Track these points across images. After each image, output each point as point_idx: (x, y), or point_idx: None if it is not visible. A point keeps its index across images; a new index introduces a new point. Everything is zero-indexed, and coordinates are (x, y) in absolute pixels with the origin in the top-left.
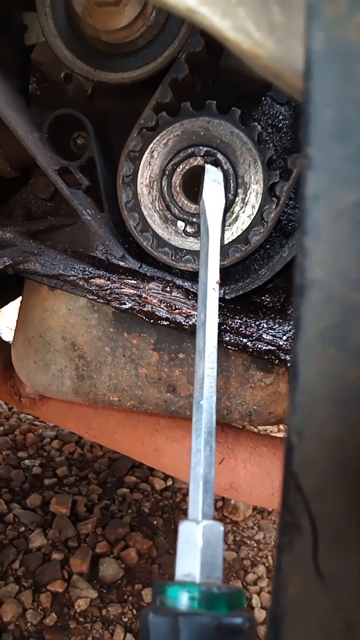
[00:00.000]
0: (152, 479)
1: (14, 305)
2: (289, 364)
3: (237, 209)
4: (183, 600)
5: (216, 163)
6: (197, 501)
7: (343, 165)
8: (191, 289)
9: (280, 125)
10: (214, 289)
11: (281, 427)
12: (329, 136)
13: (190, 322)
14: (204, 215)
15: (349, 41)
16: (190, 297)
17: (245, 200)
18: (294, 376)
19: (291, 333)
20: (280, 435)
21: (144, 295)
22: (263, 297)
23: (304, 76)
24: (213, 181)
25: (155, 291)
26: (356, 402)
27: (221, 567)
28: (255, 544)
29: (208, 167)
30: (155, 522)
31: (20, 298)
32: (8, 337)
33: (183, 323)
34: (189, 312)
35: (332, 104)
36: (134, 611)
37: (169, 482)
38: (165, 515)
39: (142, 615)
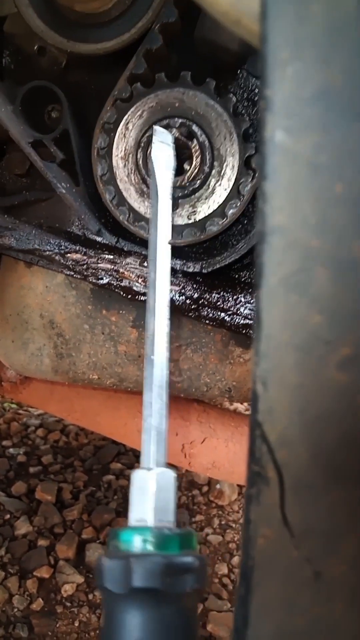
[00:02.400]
0: (137, 465)
1: None
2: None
3: (213, 181)
4: (136, 543)
5: (190, 133)
6: (149, 450)
7: (300, 108)
8: None
9: (256, 98)
10: (164, 248)
11: None
12: (286, 77)
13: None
14: (153, 176)
15: None
16: None
17: (222, 173)
18: (257, 325)
19: None
20: None
21: (121, 270)
22: (241, 274)
23: (260, 18)
24: (161, 142)
25: (132, 266)
26: (316, 348)
27: (173, 511)
28: (240, 528)
29: (156, 128)
30: None
31: None
32: None
33: None
34: None
35: (288, 45)
36: None
37: None
38: None
39: (96, 560)
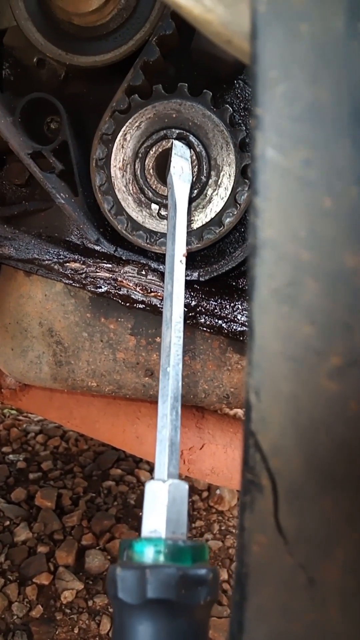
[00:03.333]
0: (137, 471)
1: None
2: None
3: (210, 191)
4: (149, 554)
5: (188, 144)
6: (163, 462)
7: (290, 125)
8: None
9: (251, 107)
10: (180, 261)
11: None
12: (276, 96)
13: None
14: (171, 189)
15: (292, 2)
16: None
17: (218, 183)
18: (250, 336)
19: None
20: None
21: (119, 278)
22: (238, 281)
23: (251, 38)
24: (180, 157)
25: (130, 274)
26: (307, 358)
27: (185, 523)
28: None
29: (175, 142)
30: (141, 514)
31: None
32: None
33: (159, 306)
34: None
35: (277, 64)
36: None
37: None
38: None
39: (109, 570)
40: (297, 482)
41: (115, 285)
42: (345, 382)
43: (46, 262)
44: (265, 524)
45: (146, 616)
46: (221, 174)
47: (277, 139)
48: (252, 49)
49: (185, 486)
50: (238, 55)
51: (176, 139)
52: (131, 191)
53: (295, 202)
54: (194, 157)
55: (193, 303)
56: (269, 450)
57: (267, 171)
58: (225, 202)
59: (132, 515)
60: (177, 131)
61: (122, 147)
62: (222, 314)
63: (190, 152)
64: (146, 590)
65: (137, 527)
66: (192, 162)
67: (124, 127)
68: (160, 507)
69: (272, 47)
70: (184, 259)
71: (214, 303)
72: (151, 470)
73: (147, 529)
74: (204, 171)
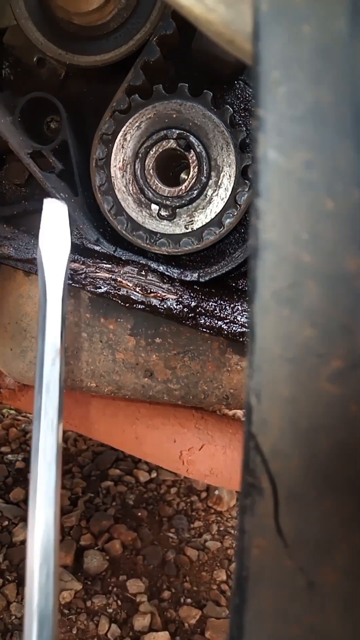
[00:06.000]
0: (136, 471)
1: None
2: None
3: (210, 192)
4: None
5: (188, 144)
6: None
7: (291, 126)
8: (166, 273)
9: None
10: (52, 362)
11: None
12: (278, 97)
13: (165, 306)
14: (40, 266)
15: (294, 2)
16: (165, 280)
17: (218, 183)
18: (251, 338)
19: None
20: None
21: (119, 279)
22: (238, 282)
23: (253, 38)
24: (54, 218)
25: (130, 275)
26: (308, 361)
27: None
28: None
29: (46, 201)
30: (139, 514)
31: None
32: None
33: (158, 306)
34: (164, 296)
35: (279, 65)
36: (119, 602)
37: (153, 475)
38: (149, 507)
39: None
40: (297, 485)
41: (115, 285)
42: (345, 385)
43: None
44: (265, 527)
45: None
46: (221, 174)
47: (279, 140)
48: (254, 50)
49: None
50: (240, 56)
51: (176, 138)
52: (131, 191)
53: (297, 204)
54: (194, 158)
55: (193, 304)
56: (270, 452)
57: (268, 173)
58: (226, 203)
59: (130, 516)
60: (178, 131)
61: (122, 147)
62: (222, 315)
63: (191, 153)
64: None
65: (135, 528)
66: (192, 163)
67: (124, 127)
68: None
69: (274, 48)
70: (57, 358)
71: (213, 304)
72: (150, 470)
73: None
74: (204, 172)
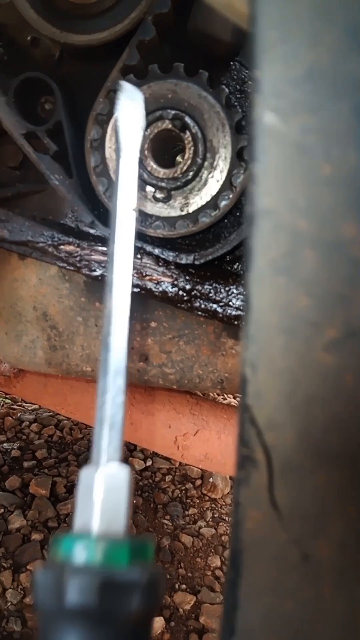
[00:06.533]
0: (131, 459)
1: None
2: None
3: (205, 173)
4: (76, 553)
5: (184, 125)
6: (99, 444)
7: (289, 88)
8: (161, 256)
9: (248, 90)
10: (128, 215)
11: None
12: (275, 58)
13: (160, 289)
14: (117, 136)
15: None
16: (160, 263)
17: (214, 165)
18: (247, 309)
19: None
20: None
21: None
22: (233, 265)
23: None
24: (131, 99)
25: None
26: (304, 331)
27: (125, 516)
28: None
29: (123, 83)
30: (134, 501)
31: None
32: None
33: (153, 289)
34: (159, 279)
35: (277, 25)
36: None
37: (148, 463)
38: (144, 495)
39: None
40: (292, 457)
41: None
42: (341, 355)
43: (40, 244)
44: (259, 499)
45: (66, 626)
46: (217, 156)
47: (276, 103)
48: (251, 11)
49: (125, 471)
50: (238, 21)
51: (171, 119)
52: None
53: (294, 169)
54: (190, 139)
55: (188, 287)
56: (264, 424)
57: (265, 136)
58: (221, 185)
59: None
60: (173, 112)
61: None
62: (217, 298)
63: (187, 134)
64: (64, 595)
65: (130, 516)
66: (187, 144)
67: None
68: (93, 498)
69: (272, 8)
70: (133, 214)
71: (208, 287)
72: (145, 458)
73: (78, 524)
74: (200, 153)
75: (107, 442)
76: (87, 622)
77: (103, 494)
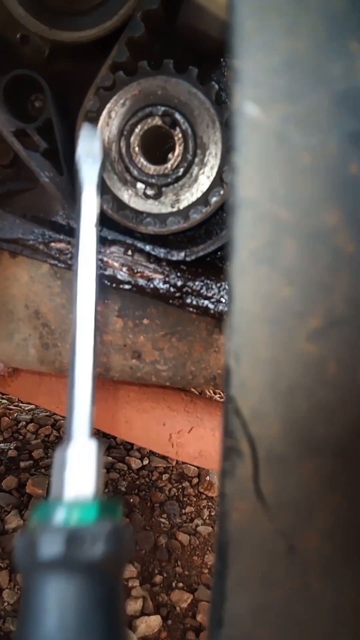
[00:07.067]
0: (128, 458)
1: None
2: None
3: (196, 170)
4: (47, 516)
5: (174, 122)
6: (70, 421)
7: (268, 78)
8: (152, 252)
9: (229, 80)
10: (91, 231)
11: None
12: (253, 47)
13: (152, 286)
14: (80, 170)
15: None
16: (151, 260)
17: (204, 162)
18: (230, 299)
19: None
20: None
21: (105, 259)
22: (224, 261)
23: None
24: (90, 137)
25: (116, 255)
26: (287, 321)
27: (94, 481)
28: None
29: (84, 124)
30: (131, 500)
31: None
32: None
33: (145, 286)
34: (151, 276)
35: (254, 13)
36: None
37: (145, 462)
38: (141, 494)
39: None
40: (276, 447)
41: (101, 265)
42: (324, 344)
43: (31, 242)
44: (245, 490)
45: (41, 577)
46: (207, 152)
47: (255, 92)
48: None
49: (93, 443)
50: (218, 12)
51: (161, 115)
52: (116, 170)
53: (275, 159)
54: (180, 135)
55: (179, 283)
56: (249, 415)
57: (245, 126)
58: (212, 182)
59: (122, 502)
60: (163, 108)
61: (107, 124)
62: (208, 294)
63: (177, 130)
64: (37, 551)
65: (127, 514)
66: (177, 140)
67: (109, 104)
68: (64, 468)
69: None
70: (97, 228)
71: (200, 283)
72: (142, 457)
73: (53, 493)
74: (190, 150)
75: (77, 420)
76: (58, 571)
77: (72, 464)
